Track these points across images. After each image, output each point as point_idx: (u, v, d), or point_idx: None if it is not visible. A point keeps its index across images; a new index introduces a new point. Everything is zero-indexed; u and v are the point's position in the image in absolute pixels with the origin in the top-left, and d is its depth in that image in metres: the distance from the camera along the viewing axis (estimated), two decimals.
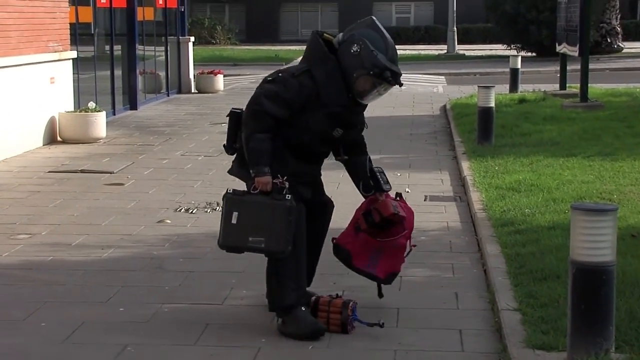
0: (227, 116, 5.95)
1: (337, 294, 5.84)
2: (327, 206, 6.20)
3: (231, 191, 5.74)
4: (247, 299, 6.36)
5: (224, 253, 6.13)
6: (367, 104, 5.95)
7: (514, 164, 10.95)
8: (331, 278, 6.80)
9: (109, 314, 6.09)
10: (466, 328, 5.81)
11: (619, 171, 10.34)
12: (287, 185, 5.65)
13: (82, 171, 11.41)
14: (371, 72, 5.69)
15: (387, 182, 6.09)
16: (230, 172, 6.07)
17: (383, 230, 6.06)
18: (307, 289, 6.03)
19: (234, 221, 5.67)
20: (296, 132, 5.77)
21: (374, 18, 5.87)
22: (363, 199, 6.14)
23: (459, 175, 10.91)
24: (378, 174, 6.08)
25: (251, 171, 5.67)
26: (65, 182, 10.69)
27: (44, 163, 12.04)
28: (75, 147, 13.34)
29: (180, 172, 11.18)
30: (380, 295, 6.16)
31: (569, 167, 10.67)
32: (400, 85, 5.88)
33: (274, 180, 5.63)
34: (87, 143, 13.67)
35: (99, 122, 14.01)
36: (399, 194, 6.24)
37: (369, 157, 6.14)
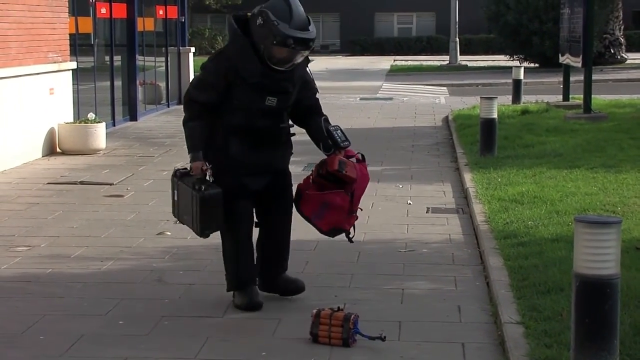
0: None
1: (338, 307, 5.84)
2: (282, 194, 6.50)
3: (175, 170, 6.43)
4: (248, 312, 6.35)
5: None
6: (298, 70, 6.25)
7: (516, 176, 10.95)
8: (332, 291, 6.80)
9: (108, 327, 6.08)
10: (469, 341, 5.80)
11: (623, 183, 10.33)
12: (209, 173, 6.21)
13: (82, 183, 11.42)
14: (274, 42, 6.00)
15: (346, 140, 6.37)
16: None
17: (336, 186, 6.31)
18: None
19: (175, 198, 6.44)
20: (232, 113, 6.21)
21: None
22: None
23: (462, 187, 10.91)
24: (335, 132, 6.36)
25: (189, 156, 6.25)
26: (65, 194, 10.69)
27: (43, 174, 12.05)
28: (74, 159, 13.35)
29: None
30: (350, 240, 6.50)
31: (573, 179, 10.67)
32: (310, 49, 6.16)
33: (202, 166, 6.17)
34: (86, 154, 13.69)
35: (99, 133, 14.03)
36: (362, 155, 6.49)
37: (326, 117, 6.48)
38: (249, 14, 6.25)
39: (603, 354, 4.88)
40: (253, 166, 6.29)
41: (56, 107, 14.09)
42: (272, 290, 6.61)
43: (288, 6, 6.06)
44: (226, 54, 6.23)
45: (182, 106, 6.84)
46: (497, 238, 8.00)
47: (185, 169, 6.35)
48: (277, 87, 6.20)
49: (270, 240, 6.54)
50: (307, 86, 6.46)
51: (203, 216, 6.14)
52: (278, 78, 6.18)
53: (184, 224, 6.52)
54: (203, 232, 6.27)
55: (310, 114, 6.48)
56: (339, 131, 6.40)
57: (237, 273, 6.40)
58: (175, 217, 6.62)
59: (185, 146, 6.34)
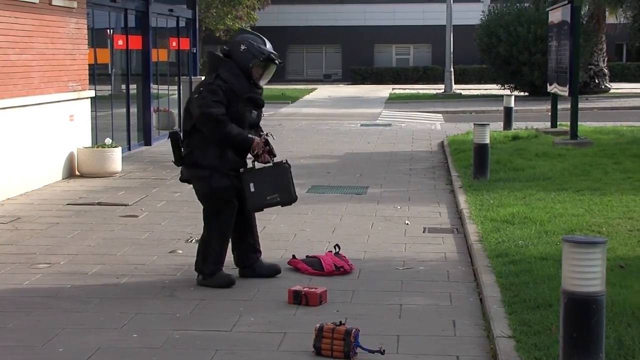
0: (168, 138, 7.35)
1: (340, 322, 5.82)
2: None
3: (242, 170, 7.25)
4: (255, 326, 6.34)
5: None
6: (263, 86, 7.44)
7: (508, 198, 10.94)
8: (334, 306, 6.79)
9: (123, 340, 6.06)
10: (463, 354, 5.77)
11: (608, 205, 10.32)
12: (270, 140, 7.37)
13: (99, 204, 11.42)
14: (261, 59, 7.26)
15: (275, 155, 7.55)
16: (182, 179, 7.44)
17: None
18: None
19: (252, 189, 7.21)
20: None
21: (242, 29, 7.26)
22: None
23: (456, 208, 10.90)
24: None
25: (247, 147, 7.20)
26: (83, 214, 10.69)
27: (63, 196, 12.05)
28: (92, 181, 13.36)
29: (191, 204, 11.14)
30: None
31: (560, 200, 10.66)
32: (281, 63, 7.56)
33: (274, 161, 7.31)
34: (103, 177, 13.70)
35: (115, 157, 14.05)
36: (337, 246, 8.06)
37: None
38: (225, 47, 7.41)
39: None
40: (238, 168, 7.27)
41: (75, 133, 14.12)
42: (255, 274, 7.56)
43: (257, 36, 7.44)
44: (222, 77, 7.18)
45: None
46: (490, 257, 7.98)
47: (248, 166, 7.28)
48: (258, 102, 7.33)
49: (250, 228, 7.51)
50: None
51: (292, 182, 7.35)
52: (258, 93, 7.34)
53: (267, 208, 7.39)
54: (296, 196, 7.40)
55: (257, 128, 7.49)
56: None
57: (220, 258, 7.31)
58: (255, 209, 7.32)
59: None
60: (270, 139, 7.42)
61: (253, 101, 7.27)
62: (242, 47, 7.25)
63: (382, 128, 23.10)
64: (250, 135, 7.21)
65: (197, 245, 8.87)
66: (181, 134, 7.35)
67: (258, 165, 7.40)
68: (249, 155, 7.34)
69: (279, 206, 7.53)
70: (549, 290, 6.60)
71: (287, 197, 7.34)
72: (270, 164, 7.33)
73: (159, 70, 19.24)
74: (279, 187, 7.29)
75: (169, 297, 7.13)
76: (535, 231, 8.89)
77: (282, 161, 7.37)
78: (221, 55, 7.34)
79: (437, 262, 8.28)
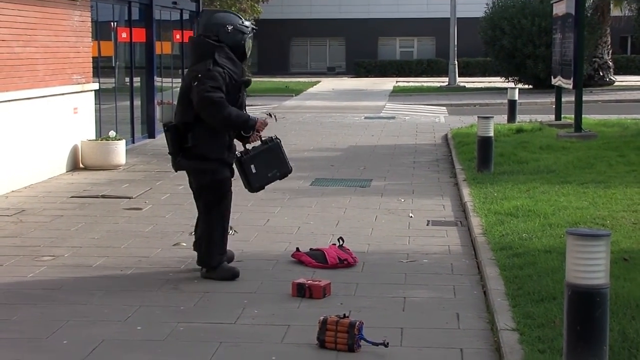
0: (167, 130, 7.29)
1: (344, 314, 5.82)
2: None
3: (239, 155, 7.34)
4: (259, 318, 6.34)
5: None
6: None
7: (512, 191, 10.93)
8: (338, 299, 6.79)
9: (127, 332, 6.07)
10: (467, 347, 5.77)
11: (612, 198, 10.31)
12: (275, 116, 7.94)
13: (103, 196, 11.43)
14: (248, 33, 7.32)
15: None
16: (177, 168, 7.35)
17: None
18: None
19: (254, 170, 7.35)
20: None
21: (204, 9, 7.27)
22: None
23: (460, 201, 10.89)
24: None
25: (249, 129, 7.20)
26: (87, 207, 10.70)
27: (67, 189, 12.06)
28: (96, 174, 13.37)
29: None
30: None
31: (564, 193, 10.65)
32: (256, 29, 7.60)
33: (263, 138, 7.38)
34: (107, 170, 13.71)
35: (119, 150, 14.06)
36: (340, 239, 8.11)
37: None
38: (204, 35, 7.25)
39: (593, 359, 4.85)
40: (233, 151, 7.37)
41: (79, 126, 14.12)
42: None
43: (229, 13, 7.45)
44: (219, 62, 7.11)
45: None
46: (494, 249, 7.98)
47: (244, 150, 7.35)
48: (248, 83, 7.37)
49: (229, 213, 7.49)
50: None
51: (285, 155, 7.51)
52: (246, 72, 7.15)
53: (268, 185, 7.52)
54: (291, 167, 7.57)
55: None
56: None
57: (224, 247, 7.38)
58: (254, 190, 7.45)
59: None
60: (271, 119, 7.72)
61: (244, 83, 7.34)
62: (229, 28, 7.23)
63: (386, 121, 23.08)
64: (251, 118, 7.23)
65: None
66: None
67: (248, 146, 7.49)
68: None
69: (278, 180, 7.65)
70: (552, 283, 6.59)
71: (285, 170, 7.52)
72: (260, 143, 7.42)
73: (162, 63, 19.22)
74: (276, 162, 7.46)
75: (173, 289, 7.13)
76: (539, 224, 8.88)
77: (271, 137, 7.51)
78: (213, 41, 7.20)
79: (440, 254, 8.27)
